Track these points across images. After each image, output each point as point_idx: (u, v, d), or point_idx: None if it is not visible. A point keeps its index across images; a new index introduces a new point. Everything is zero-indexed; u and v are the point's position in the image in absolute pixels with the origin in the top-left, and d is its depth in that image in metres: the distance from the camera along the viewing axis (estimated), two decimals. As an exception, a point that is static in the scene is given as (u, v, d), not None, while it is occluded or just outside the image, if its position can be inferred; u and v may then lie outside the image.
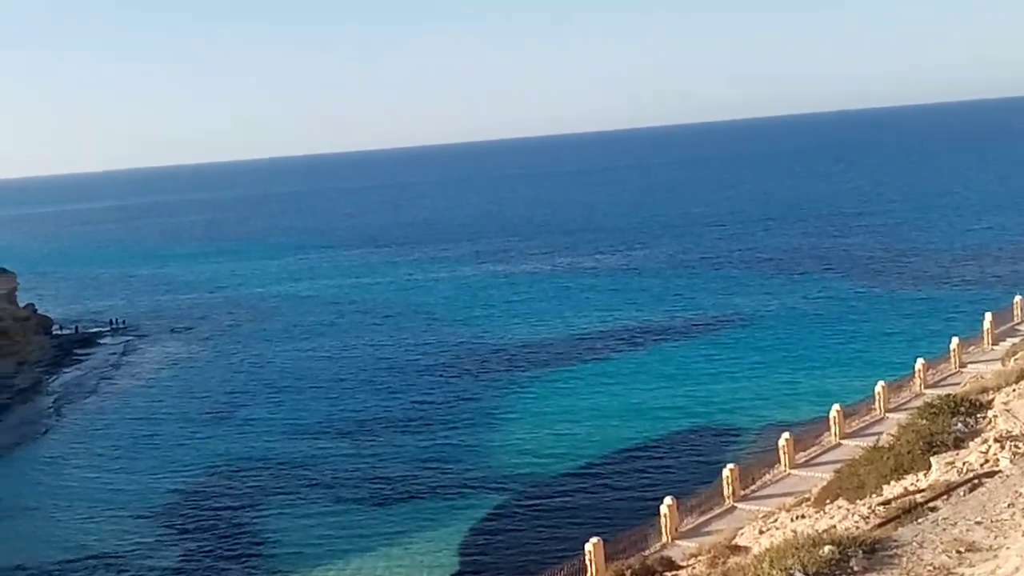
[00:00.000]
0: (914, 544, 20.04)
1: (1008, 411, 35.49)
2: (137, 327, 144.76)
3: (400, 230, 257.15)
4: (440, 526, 62.94)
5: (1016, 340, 56.69)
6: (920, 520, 22.85)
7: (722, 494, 42.77)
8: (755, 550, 29.06)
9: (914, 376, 54.05)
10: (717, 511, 41.85)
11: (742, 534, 35.98)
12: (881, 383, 51.66)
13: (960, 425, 35.72)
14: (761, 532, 34.84)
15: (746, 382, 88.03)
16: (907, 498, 27.84)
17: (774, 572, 19.70)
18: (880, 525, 25.44)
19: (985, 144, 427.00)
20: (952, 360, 56.36)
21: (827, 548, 20.08)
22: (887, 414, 49.50)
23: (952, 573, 18.39)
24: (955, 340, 57.32)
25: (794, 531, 30.06)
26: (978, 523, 20.72)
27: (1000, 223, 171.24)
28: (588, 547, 37.27)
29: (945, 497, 26.13)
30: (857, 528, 26.26)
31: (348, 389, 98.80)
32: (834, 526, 28.24)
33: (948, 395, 40.87)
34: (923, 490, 28.72)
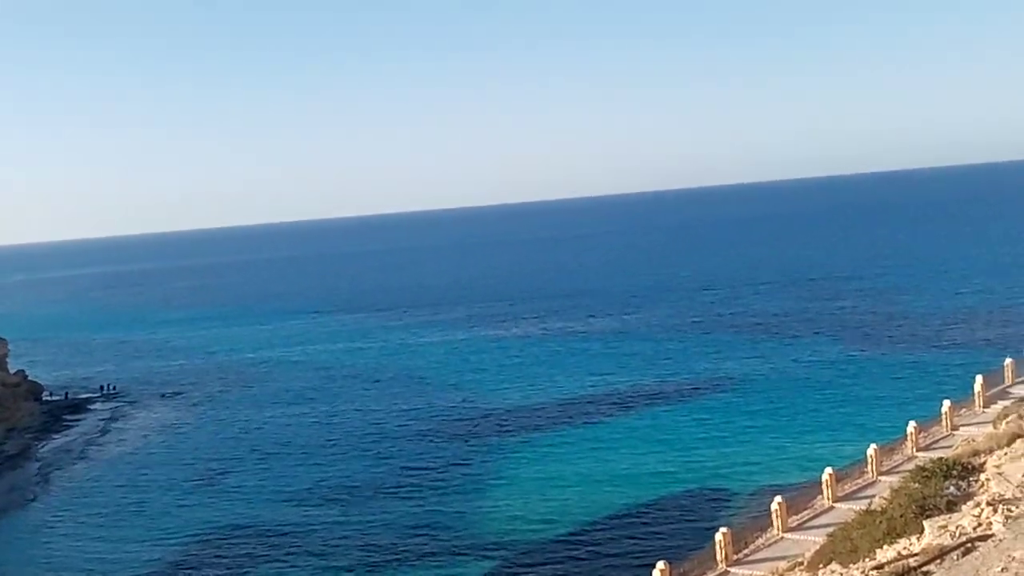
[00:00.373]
0: (907, 608, 19.85)
1: (1000, 474, 35.37)
2: (127, 392, 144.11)
3: (392, 295, 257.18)
4: (431, 593, 62.26)
5: (1007, 403, 56.61)
6: (913, 584, 22.66)
7: (715, 558, 42.42)
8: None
9: (906, 439, 53.90)
10: (710, 575, 41.48)
11: (735, 599, 35.64)
12: (873, 446, 51.51)
13: (952, 488, 35.59)
14: (754, 597, 34.51)
15: (737, 446, 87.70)
16: (900, 562, 27.68)
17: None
18: (873, 589, 25.25)
19: (975, 207, 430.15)
20: (944, 423, 56.25)
21: (819, 613, 19.88)
22: (879, 477, 49.30)
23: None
24: (947, 403, 57.25)
25: (787, 596, 29.80)
26: (971, 587, 20.54)
27: (990, 286, 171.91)
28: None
29: (938, 561, 25.97)
30: (850, 593, 26.07)
31: (337, 455, 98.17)
32: (827, 591, 28.02)
33: (940, 458, 40.75)
34: (916, 554, 28.53)
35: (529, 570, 64.74)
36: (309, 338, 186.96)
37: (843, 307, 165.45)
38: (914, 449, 52.73)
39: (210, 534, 77.56)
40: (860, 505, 42.08)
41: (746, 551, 43.43)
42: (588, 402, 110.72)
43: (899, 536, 32.62)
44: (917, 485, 36.26)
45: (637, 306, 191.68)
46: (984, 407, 58.81)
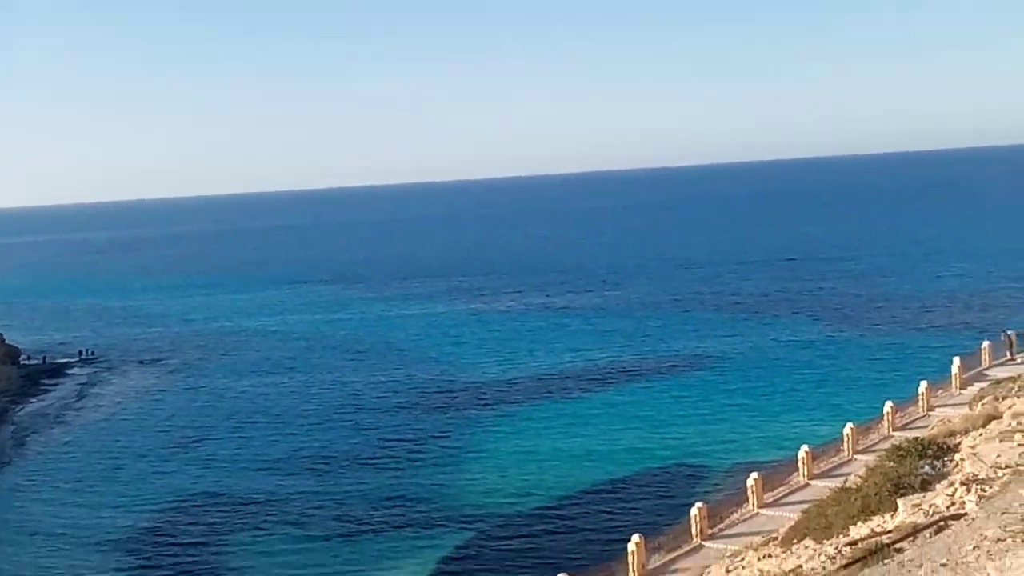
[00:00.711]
0: (880, 584, 19.87)
1: (975, 455, 35.47)
2: (105, 358, 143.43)
3: (374, 266, 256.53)
4: (405, 563, 62.34)
5: (984, 385, 56.80)
6: (886, 561, 22.73)
7: (690, 532, 42.51)
8: (721, 589, 28.82)
9: (882, 419, 54.07)
10: (685, 549, 41.56)
11: (709, 572, 35.76)
12: (850, 425, 51.65)
13: (927, 468, 35.70)
14: (728, 571, 34.64)
15: (715, 423, 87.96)
16: (873, 539, 27.72)
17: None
18: (846, 566, 25.32)
19: (957, 191, 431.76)
20: (920, 404, 56.45)
21: (792, 586, 19.89)
22: (855, 456, 49.44)
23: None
24: (924, 384, 57.44)
25: (761, 570, 29.90)
26: (943, 565, 20.59)
27: (970, 269, 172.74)
28: (555, 585, 36.93)
29: (911, 539, 26.02)
30: (823, 568, 26.15)
31: (315, 424, 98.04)
32: (800, 566, 28.11)
33: (916, 438, 40.87)
34: (889, 531, 28.59)
35: (505, 543, 64.87)
36: (288, 308, 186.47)
37: (824, 288, 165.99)
38: (890, 429, 52.90)
39: (185, 501, 77.38)
40: (835, 483, 42.18)
41: (721, 526, 43.53)
42: (567, 377, 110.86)
43: (873, 514, 32.70)
44: (892, 464, 36.36)
45: (618, 283, 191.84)
46: (961, 389, 59.03)
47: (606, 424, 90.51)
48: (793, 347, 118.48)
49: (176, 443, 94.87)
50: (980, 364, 64.03)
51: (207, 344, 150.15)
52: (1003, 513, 23.49)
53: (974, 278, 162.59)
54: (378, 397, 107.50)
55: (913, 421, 54.41)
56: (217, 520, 72.61)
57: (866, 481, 35.85)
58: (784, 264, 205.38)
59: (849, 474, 43.62)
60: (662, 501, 68.48)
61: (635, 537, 40.15)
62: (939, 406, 56.14)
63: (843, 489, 37.36)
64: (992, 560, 20.05)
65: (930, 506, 30.24)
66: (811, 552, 30.50)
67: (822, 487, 43.76)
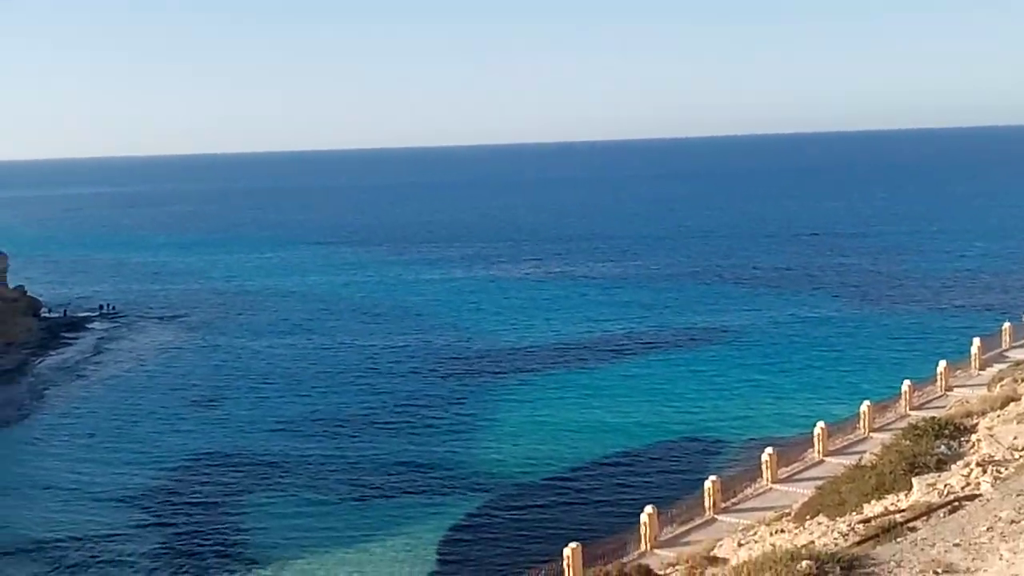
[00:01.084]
0: (892, 563, 19.76)
1: (992, 436, 35.26)
2: (125, 313, 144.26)
3: (394, 230, 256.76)
4: (419, 526, 62.59)
5: (1003, 366, 56.54)
6: (899, 540, 22.59)
7: (703, 505, 42.54)
8: (733, 562, 28.76)
9: (900, 397, 53.90)
10: (697, 522, 41.62)
11: (721, 546, 35.71)
12: (866, 403, 51.48)
13: (943, 448, 35.50)
14: (740, 545, 34.58)
15: (732, 397, 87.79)
16: (887, 517, 27.61)
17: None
18: (859, 543, 25.20)
19: (986, 170, 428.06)
20: (938, 383, 56.23)
21: (805, 563, 19.81)
22: (871, 434, 49.33)
23: (929, 593, 18.13)
24: (942, 364, 57.19)
25: (773, 545, 29.80)
26: (956, 545, 20.44)
27: (993, 250, 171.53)
28: (567, 552, 37.01)
29: (925, 518, 25.90)
30: (836, 545, 26.04)
31: (332, 387, 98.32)
32: (813, 542, 28.01)
33: (933, 418, 40.64)
34: (903, 510, 28.47)
35: (517, 511, 65.01)
36: (308, 269, 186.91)
37: (845, 264, 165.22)
38: (907, 408, 52.73)
39: (199, 460, 77.82)
40: (850, 460, 42.10)
41: (734, 500, 43.54)
42: (583, 347, 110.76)
43: (887, 492, 32.57)
44: (908, 443, 36.17)
45: (639, 253, 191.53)
46: (980, 369, 58.78)
47: (622, 396, 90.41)
48: (812, 323, 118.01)
49: (192, 401, 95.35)
50: (1000, 345, 63.74)
51: (226, 302, 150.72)
52: (1018, 495, 23.32)
53: (997, 258, 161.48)
54: (394, 361, 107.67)
55: (930, 401, 54.24)
56: (232, 478, 72.99)
57: (881, 459, 35.69)
58: (807, 239, 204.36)
59: (864, 452, 43.47)
60: (675, 474, 68.43)
61: (648, 508, 40.20)
62: (957, 386, 55.94)
63: (858, 467, 37.27)
64: (1006, 541, 19.91)
65: (945, 486, 30.08)
66: (824, 528, 30.40)
67: (837, 464, 43.71)
